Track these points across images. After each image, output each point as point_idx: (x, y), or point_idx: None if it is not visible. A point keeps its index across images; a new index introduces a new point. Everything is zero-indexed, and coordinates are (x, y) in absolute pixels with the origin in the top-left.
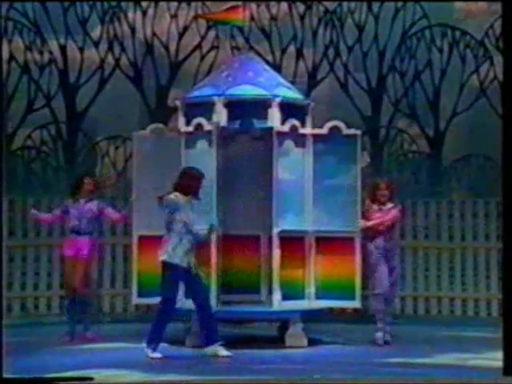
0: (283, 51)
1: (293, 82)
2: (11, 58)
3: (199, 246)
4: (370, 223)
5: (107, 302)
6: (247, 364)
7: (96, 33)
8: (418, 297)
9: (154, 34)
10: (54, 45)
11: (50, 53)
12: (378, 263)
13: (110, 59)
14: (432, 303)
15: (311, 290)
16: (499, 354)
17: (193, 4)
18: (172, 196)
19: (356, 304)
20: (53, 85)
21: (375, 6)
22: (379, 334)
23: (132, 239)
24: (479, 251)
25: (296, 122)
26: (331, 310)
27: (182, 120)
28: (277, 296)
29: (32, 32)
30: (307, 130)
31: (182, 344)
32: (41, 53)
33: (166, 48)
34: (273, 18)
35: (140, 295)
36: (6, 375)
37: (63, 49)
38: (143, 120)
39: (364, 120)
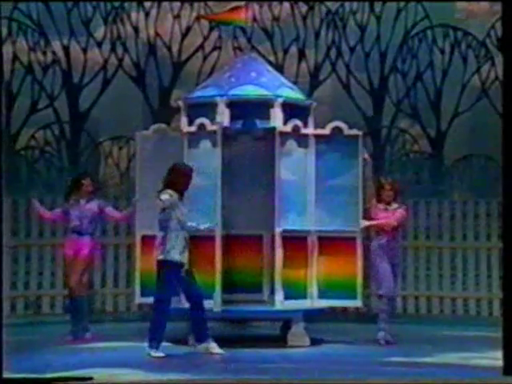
0: (285, 52)
1: (295, 83)
2: (15, 58)
3: (201, 245)
4: (375, 222)
5: (110, 301)
6: (249, 363)
7: (99, 33)
8: (420, 296)
9: (156, 34)
10: (57, 45)
11: (54, 53)
12: (381, 263)
13: (113, 60)
14: (434, 303)
15: (313, 289)
16: (500, 354)
17: (195, 4)
18: (167, 196)
19: (358, 303)
20: (56, 85)
21: (377, 7)
22: (382, 334)
23: (135, 239)
24: (481, 251)
25: (298, 123)
26: (333, 309)
27: (184, 120)
28: (279, 295)
29: (36, 33)
30: (309, 130)
31: (185, 343)
32: (44, 53)
33: (169, 48)
34: (275, 19)
35: (143, 294)
36: (7, 374)
37: (66, 49)
38: (146, 120)
39: (366, 120)
